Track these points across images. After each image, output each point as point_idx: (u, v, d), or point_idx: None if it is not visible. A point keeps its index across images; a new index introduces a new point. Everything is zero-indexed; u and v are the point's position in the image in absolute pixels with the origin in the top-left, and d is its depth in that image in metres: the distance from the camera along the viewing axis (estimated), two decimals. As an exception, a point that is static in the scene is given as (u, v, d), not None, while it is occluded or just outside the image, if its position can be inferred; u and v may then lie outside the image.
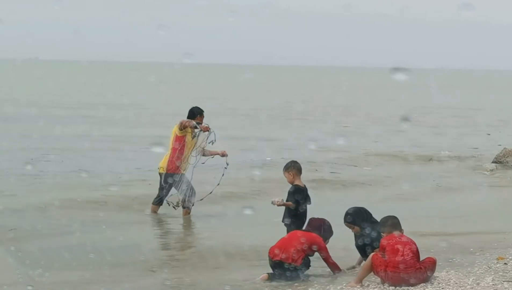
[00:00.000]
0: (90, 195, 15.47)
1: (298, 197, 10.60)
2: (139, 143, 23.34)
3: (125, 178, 17.58)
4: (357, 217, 10.18)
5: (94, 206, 14.59)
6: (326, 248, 10.03)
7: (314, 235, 9.98)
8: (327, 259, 10.07)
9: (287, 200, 10.62)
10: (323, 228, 10.09)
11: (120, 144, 24.01)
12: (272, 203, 10.60)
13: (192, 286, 9.71)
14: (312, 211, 10.64)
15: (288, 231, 10.50)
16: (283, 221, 10.73)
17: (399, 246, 9.29)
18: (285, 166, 10.82)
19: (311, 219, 10.27)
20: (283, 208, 10.69)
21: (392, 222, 9.60)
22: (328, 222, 10.23)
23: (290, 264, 9.77)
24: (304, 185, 10.75)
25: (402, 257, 9.23)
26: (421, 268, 9.27)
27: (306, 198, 10.68)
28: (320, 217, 10.29)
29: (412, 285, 9.18)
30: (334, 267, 10.12)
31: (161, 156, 13.93)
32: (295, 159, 11.11)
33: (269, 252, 9.93)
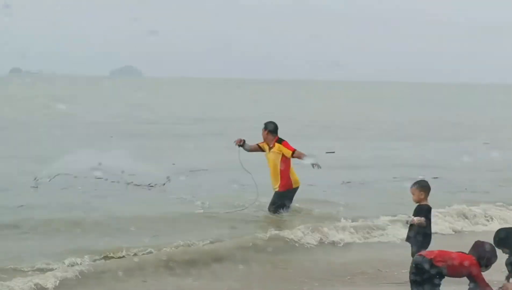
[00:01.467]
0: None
1: (429, 216, 10.20)
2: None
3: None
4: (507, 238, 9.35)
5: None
6: (477, 266, 9.04)
7: (468, 255, 9.33)
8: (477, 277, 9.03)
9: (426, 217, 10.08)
10: (481, 249, 9.44)
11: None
12: (407, 222, 10.27)
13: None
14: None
15: (413, 251, 10.04)
16: (408, 240, 10.31)
17: None
18: (419, 183, 10.45)
19: (475, 242, 9.65)
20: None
21: None
22: (489, 245, 9.28)
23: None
24: None
25: None
26: None
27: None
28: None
29: None
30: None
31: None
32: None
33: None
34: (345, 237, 13.61)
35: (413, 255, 10.11)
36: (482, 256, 9.04)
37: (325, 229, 13.65)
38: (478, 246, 9.18)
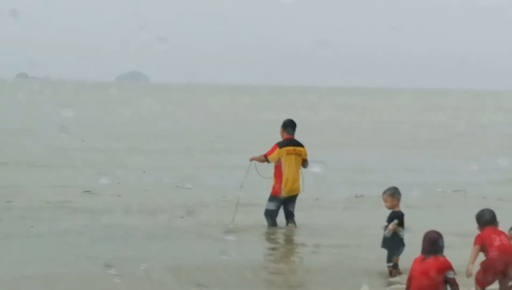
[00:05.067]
0: None
1: (403, 221, 10.91)
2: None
3: None
4: None
5: None
6: None
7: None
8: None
9: (400, 224, 10.85)
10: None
11: None
12: (385, 232, 10.91)
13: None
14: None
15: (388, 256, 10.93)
16: (383, 246, 11.05)
17: (495, 236, 9.54)
18: (391, 191, 11.07)
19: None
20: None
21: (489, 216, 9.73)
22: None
23: None
24: None
25: (500, 242, 9.49)
26: None
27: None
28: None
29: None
30: None
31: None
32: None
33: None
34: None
35: (388, 260, 11.00)
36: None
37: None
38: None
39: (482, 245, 9.57)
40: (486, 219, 9.70)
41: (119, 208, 16.40)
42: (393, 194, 11.02)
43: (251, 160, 14.35)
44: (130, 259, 11.93)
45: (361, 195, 18.43)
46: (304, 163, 14.43)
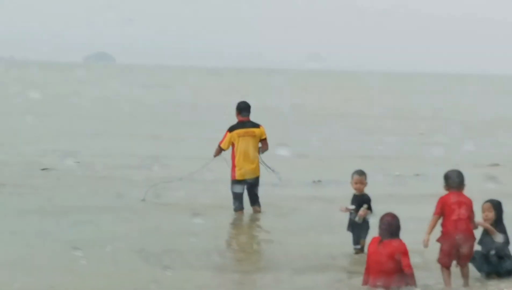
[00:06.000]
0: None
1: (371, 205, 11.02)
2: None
3: None
4: (499, 207, 10.20)
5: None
6: None
7: None
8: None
9: (368, 207, 10.92)
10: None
11: None
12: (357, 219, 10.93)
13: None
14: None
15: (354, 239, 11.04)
16: (349, 229, 11.14)
17: (455, 206, 9.39)
18: (363, 173, 11.11)
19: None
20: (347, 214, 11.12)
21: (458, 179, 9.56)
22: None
23: None
24: None
25: (458, 217, 9.38)
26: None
27: None
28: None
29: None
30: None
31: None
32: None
33: None
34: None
35: (356, 243, 11.05)
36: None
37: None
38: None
39: (441, 214, 9.46)
40: (454, 181, 9.53)
41: (83, 189, 16.38)
42: (365, 176, 11.07)
43: (214, 156, 14.27)
44: (95, 240, 11.91)
45: (319, 181, 18.31)
46: (264, 143, 14.18)
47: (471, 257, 9.68)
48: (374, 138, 28.76)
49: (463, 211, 9.42)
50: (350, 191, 11.30)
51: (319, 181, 18.22)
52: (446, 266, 9.60)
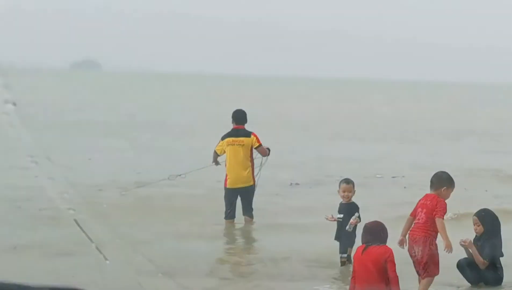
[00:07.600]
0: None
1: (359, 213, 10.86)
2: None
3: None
4: (489, 218, 10.03)
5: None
6: None
7: None
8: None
9: (356, 217, 10.75)
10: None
11: None
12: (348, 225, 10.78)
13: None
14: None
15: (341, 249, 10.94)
16: (338, 239, 11.01)
17: (420, 210, 9.21)
18: (350, 181, 11.00)
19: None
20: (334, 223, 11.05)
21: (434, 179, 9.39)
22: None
23: None
24: None
25: (417, 221, 9.18)
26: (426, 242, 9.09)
27: None
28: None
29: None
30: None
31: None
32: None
33: None
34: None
35: (343, 251, 10.91)
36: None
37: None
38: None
39: (414, 216, 9.31)
40: (431, 182, 9.38)
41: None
42: (353, 184, 10.99)
43: (212, 162, 14.35)
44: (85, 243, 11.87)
45: (296, 183, 18.36)
46: (259, 150, 14.08)
47: (425, 265, 9.22)
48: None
49: (422, 215, 9.20)
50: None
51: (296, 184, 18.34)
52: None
